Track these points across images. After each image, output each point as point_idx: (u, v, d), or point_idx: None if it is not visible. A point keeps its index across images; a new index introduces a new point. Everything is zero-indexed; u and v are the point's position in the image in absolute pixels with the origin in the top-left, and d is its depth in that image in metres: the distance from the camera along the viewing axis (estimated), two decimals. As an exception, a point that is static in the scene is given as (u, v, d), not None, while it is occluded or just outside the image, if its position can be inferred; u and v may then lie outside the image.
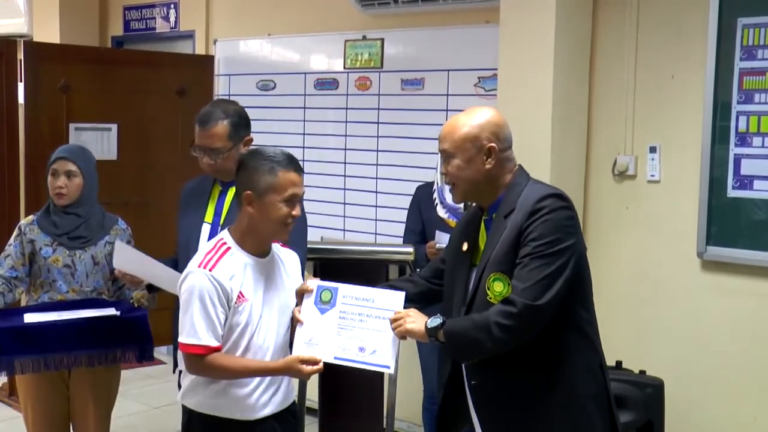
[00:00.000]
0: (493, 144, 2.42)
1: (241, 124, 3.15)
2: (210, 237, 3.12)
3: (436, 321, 2.40)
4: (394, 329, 2.48)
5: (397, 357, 2.53)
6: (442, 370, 2.62)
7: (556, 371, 2.36)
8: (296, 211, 2.59)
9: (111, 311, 3.26)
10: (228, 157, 3.10)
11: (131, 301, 3.36)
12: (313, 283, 2.65)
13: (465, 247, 2.52)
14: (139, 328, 3.26)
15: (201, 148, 3.12)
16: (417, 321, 2.44)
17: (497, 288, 2.34)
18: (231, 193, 3.17)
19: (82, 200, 3.38)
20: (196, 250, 3.12)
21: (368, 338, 2.52)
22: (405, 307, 2.54)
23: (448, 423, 2.62)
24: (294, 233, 3.01)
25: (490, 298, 2.35)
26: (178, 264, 3.20)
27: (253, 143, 3.18)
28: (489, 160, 2.43)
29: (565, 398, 2.36)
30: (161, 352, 5.45)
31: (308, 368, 2.52)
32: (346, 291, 2.60)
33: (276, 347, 2.63)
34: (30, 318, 3.18)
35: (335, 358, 2.54)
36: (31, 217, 3.45)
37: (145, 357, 3.32)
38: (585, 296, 2.44)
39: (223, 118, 3.11)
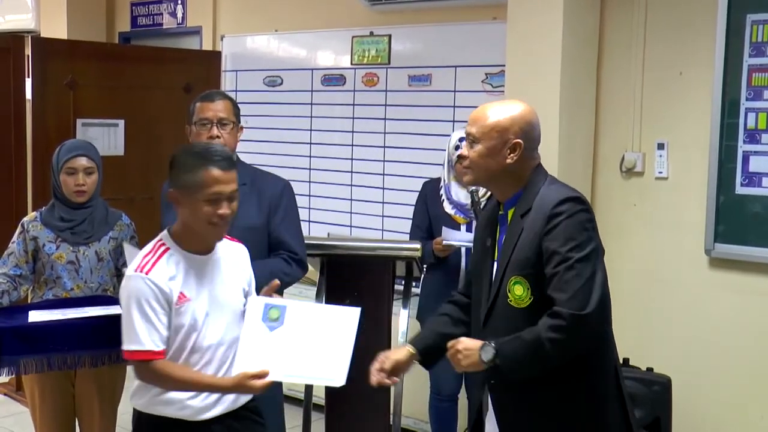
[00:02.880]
0: (519, 140, 2.36)
1: (238, 111, 3.26)
2: None
3: (489, 353, 2.28)
4: (454, 364, 2.40)
5: (347, 370, 2.46)
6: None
7: (574, 370, 2.32)
8: (223, 210, 2.47)
9: (116, 309, 3.23)
10: (232, 134, 3.18)
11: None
12: (260, 300, 2.56)
13: (488, 242, 2.49)
14: None
15: (207, 120, 3.16)
16: (470, 355, 2.33)
17: (518, 291, 2.31)
18: None
19: (95, 195, 3.39)
20: None
21: (319, 355, 2.47)
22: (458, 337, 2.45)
23: (481, 421, 2.57)
24: (287, 226, 3.01)
25: (511, 301, 2.32)
26: None
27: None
28: (512, 155, 2.37)
29: (580, 397, 2.34)
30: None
31: (259, 383, 2.44)
32: (296, 308, 2.53)
33: (229, 343, 2.56)
34: (34, 317, 3.16)
35: (285, 375, 2.50)
36: (33, 214, 3.43)
37: None
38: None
39: (226, 97, 3.25)
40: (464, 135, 3.88)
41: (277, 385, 3.17)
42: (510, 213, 2.42)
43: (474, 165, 2.42)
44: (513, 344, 2.28)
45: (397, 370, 2.55)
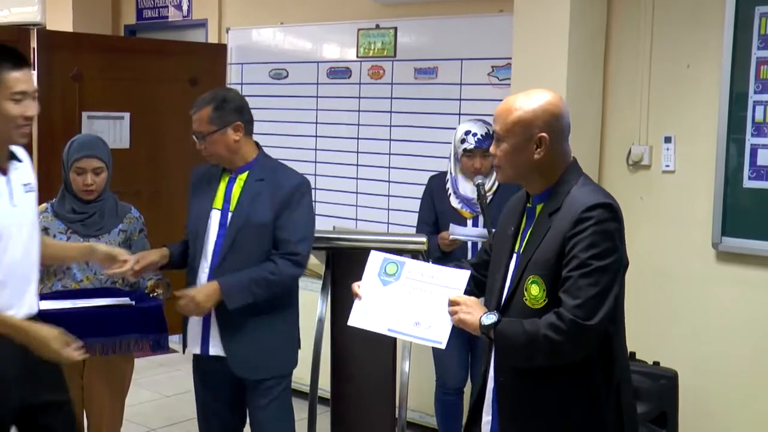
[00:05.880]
0: (544, 134, 2.29)
1: (226, 108, 3.19)
2: (220, 224, 3.21)
3: (491, 318, 2.29)
4: (450, 314, 2.39)
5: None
6: (481, 363, 2.53)
7: (578, 383, 2.29)
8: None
9: (126, 300, 3.25)
10: (213, 142, 3.18)
11: (145, 290, 3.35)
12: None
13: (511, 231, 2.44)
14: (155, 317, 3.24)
15: (192, 133, 3.22)
16: (473, 312, 2.34)
17: (534, 291, 2.27)
18: (240, 180, 3.23)
19: (104, 190, 3.40)
20: (204, 237, 3.23)
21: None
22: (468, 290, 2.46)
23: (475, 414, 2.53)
24: (289, 225, 3.08)
25: (526, 300, 2.29)
26: (188, 248, 3.30)
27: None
28: (539, 150, 2.30)
29: (580, 411, 2.30)
30: (173, 340, 5.45)
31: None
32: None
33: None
34: (44, 306, 3.17)
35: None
36: (44, 206, 3.44)
37: (160, 347, 3.30)
38: (616, 311, 2.31)
39: (207, 103, 3.20)
40: (469, 128, 3.91)
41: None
42: (539, 208, 2.36)
43: (502, 163, 2.37)
44: (513, 326, 2.27)
45: None
